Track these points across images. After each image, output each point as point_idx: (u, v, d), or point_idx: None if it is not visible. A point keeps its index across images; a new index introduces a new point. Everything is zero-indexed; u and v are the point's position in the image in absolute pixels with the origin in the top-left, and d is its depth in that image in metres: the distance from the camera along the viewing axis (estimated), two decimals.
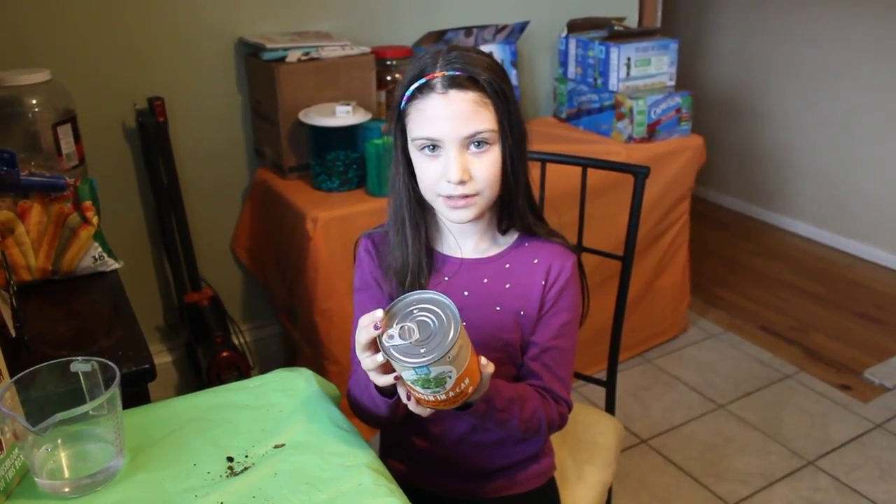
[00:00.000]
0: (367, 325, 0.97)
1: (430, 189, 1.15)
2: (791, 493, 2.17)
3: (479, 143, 1.11)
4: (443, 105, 1.09)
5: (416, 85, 1.11)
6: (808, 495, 2.16)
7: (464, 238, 1.23)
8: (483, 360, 1.02)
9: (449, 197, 1.13)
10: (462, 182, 1.10)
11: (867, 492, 2.16)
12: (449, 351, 0.92)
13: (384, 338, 0.96)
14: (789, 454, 2.32)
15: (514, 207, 1.20)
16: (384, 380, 1.01)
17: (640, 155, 2.47)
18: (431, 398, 0.99)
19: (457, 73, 1.09)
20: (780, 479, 2.22)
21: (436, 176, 1.12)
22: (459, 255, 1.23)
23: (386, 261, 1.23)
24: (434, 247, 1.24)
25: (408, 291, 1.05)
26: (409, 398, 1.03)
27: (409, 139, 1.14)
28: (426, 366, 0.93)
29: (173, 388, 2.49)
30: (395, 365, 0.96)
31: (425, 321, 0.96)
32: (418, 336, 0.95)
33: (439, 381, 0.96)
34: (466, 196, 1.12)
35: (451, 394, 0.98)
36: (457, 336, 0.93)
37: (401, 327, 0.96)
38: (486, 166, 1.12)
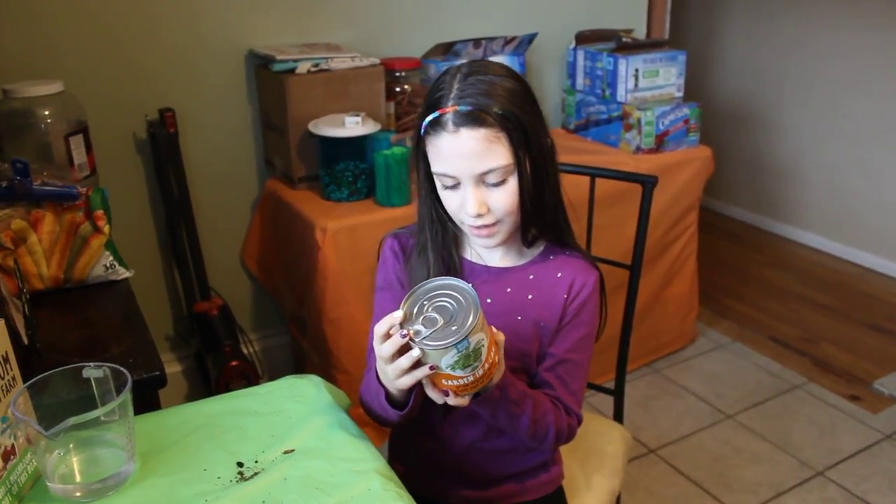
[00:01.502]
0: (384, 332, 0.99)
1: (454, 216, 1.18)
2: (800, 503, 2.16)
3: (495, 178, 1.12)
4: (454, 144, 1.10)
5: (429, 119, 1.11)
6: None
7: (489, 250, 1.25)
8: (493, 328, 1.03)
9: (473, 226, 1.15)
10: (480, 215, 1.13)
11: (877, 502, 2.15)
12: (478, 317, 0.95)
13: (413, 336, 0.98)
14: (798, 465, 2.31)
15: (539, 224, 1.21)
16: (410, 379, 1.01)
17: (648, 166, 2.47)
18: (470, 378, 1.00)
19: (468, 108, 1.08)
20: (788, 490, 2.21)
21: (458, 206, 1.15)
22: (485, 264, 1.25)
23: (411, 270, 1.24)
24: (461, 254, 1.26)
25: None
26: (446, 394, 1.03)
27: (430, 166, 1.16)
28: (465, 338, 0.95)
29: (183, 398, 2.50)
30: (432, 357, 0.98)
31: (442, 305, 0.98)
32: (442, 321, 0.97)
33: (477, 353, 0.97)
34: (488, 226, 1.15)
35: (487, 365, 1.00)
36: (477, 302, 0.96)
37: (422, 319, 0.98)
38: (503, 198, 1.13)
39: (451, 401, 1.04)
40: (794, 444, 2.41)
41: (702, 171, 2.65)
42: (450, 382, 1.01)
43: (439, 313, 0.98)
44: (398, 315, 0.98)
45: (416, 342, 0.97)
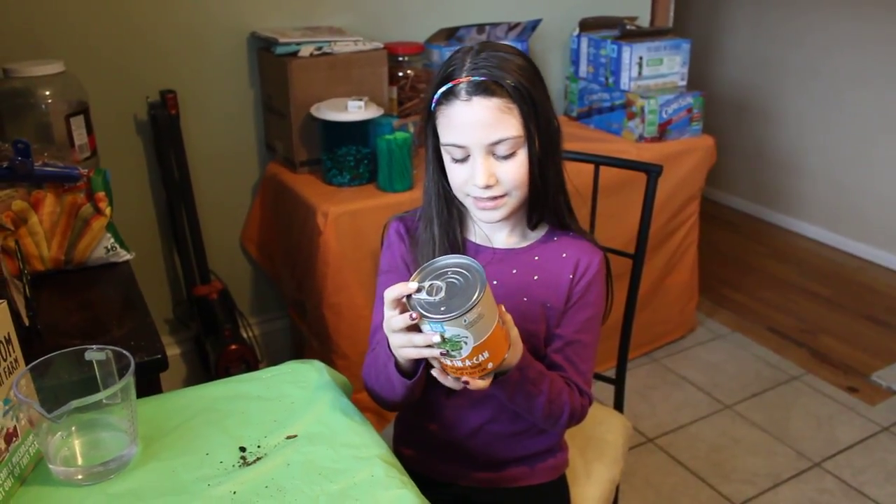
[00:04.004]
0: (395, 297, 1.00)
1: (459, 189, 1.17)
2: (797, 494, 2.17)
3: (505, 149, 1.12)
4: (467, 112, 1.10)
5: (442, 90, 1.12)
6: (814, 497, 2.16)
7: (494, 231, 1.25)
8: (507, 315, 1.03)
9: (477, 198, 1.15)
10: (488, 186, 1.13)
11: (873, 494, 2.16)
12: (465, 314, 0.94)
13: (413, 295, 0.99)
14: (796, 455, 2.32)
15: (544, 204, 1.21)
16: (415, 352, 1.02)
17: (651, 154, 2.47)
18: (448, 362, 1.01)
19: (481, 78, 1.09)
20: (786, 481, 2.22)
21: (464, 178, 1.15)
22: (490, 246, 1.25)
23: (417, 249, 1.24)
24: (466, 236, 1.26)
25: None
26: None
27: (439, 140, 1.16)
28: (440, 323, 0.95)
29: (182, 381, 2.50)
30: (413, 314, 0.99)
31: (454, 282, 0.98)
32: (444, 295, 0.97)
33: (454, 345, 0.98)
34: (494, 198, 1.14)
35: (468, 363, 1.00)
36: (477, 302, 0.94)
37: (430, 284, 0.98)
38: (513, 170, 1.13)
39: (438, 374, 1.05)
40: (791, 434, 2.41)
41: (704, 161, 2.64)
42: (446, 360, 1.02)
43: (447, 288, 0.98)
44: (413, 286, 0.99)
45: (408, 297, 0.99)
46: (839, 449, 2.35)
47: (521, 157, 1.13)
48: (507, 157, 1.12)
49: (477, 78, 1.09)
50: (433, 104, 1.14)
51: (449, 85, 1.11)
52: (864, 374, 2.72)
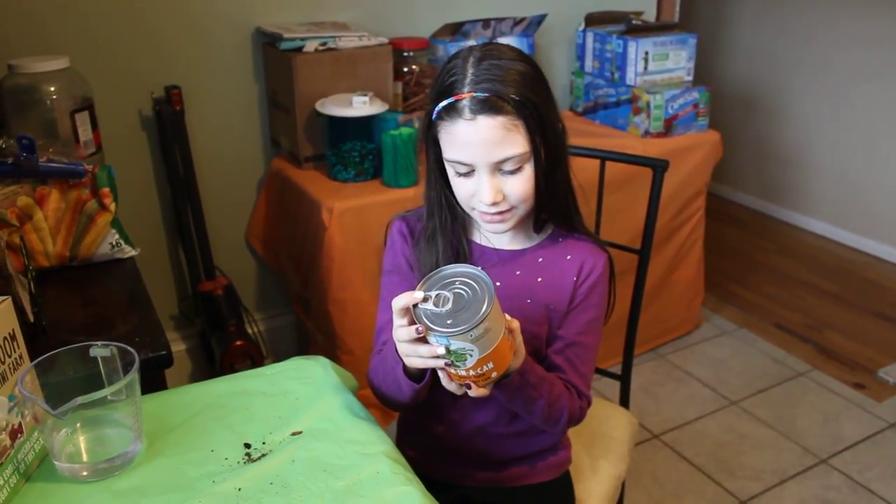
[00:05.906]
0: (402, 307, 0.99)
1: (465, 202, 1.16)
2: (803, 490, 2.16)
3: (511, 165, 1.10)
4: (471, 132, 1.07)
5: (443, 104, 1.09)
6: (821, 493, 2.15)
7: (498, 234, 1.23)
8: (507, 316, 1.03)
9: (483, 213, 1.14)
10: (495, 203, 1.11)
11: (880, 491, 2.15)
12: (472, 329, 0.93)
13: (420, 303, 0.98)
14: (802, 452, 2.31)
15: (549, 209, 1.20)
16: (412, 347, 1.01)
17: (657, 150, 2.46)
18: (452, 371, 1.01)
19: (485, 94, 1.06)
20: (792, 477, 2.21)
21: (469, 193, 1.13)
22: (494, 248, 1.24)
23: (420, 254, 1.23)
24: (471, 237, 1.25)
25: None
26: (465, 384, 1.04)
27: (442, 152, 1.14)
28: (446, 337, 0.95)
29: (187, 377, 2.50)
30: (419, 327, 0.98)
31: (461, 294, 0.97)
32: (451, 307, 0.96)
33: (459, 357, 0.97)
34: (501, 212, 1.13)
35: (472, 373, 1.00)
36: (484, 318, 0.93)
37: (437, 294, 0.97)
38: (519, 185, 1.11)
39: (444, 381, 1.05)
40: (797, 431, 2.41)
41: (710, 156, 2.63)
42: (450, 369, 1.02)
43: (455, 299, 0.97)
44: (419, 295, 0.98)
45: (415, 308, 0.98)
46: (846, 445, 2.34)
47: (528, 171, 1.11)
48: (513, 173, 1.10)
49: (480, 94, 1.06)
50: (434, 115, 1.11)
51: (451, 100, 1.07)
52: (871, 371, 2.71)
